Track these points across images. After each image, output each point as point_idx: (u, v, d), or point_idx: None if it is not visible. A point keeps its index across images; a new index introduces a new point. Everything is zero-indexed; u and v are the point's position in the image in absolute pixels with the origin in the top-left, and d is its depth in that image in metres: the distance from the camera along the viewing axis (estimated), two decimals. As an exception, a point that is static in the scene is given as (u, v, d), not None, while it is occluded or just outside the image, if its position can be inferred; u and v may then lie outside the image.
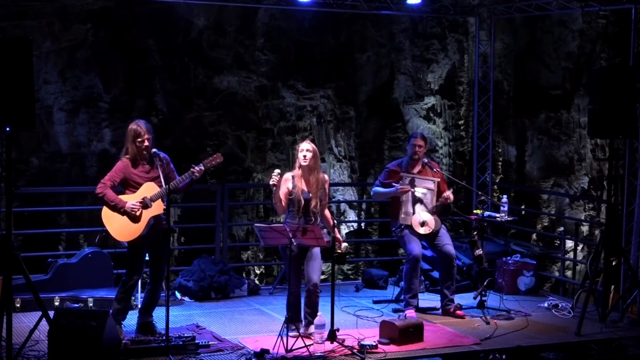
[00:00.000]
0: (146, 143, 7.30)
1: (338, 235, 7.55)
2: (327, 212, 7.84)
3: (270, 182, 7.39)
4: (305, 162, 7.54)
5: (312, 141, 7.97)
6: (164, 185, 7.26)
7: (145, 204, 7.30)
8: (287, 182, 7.58)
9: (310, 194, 7.53)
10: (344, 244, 7.49)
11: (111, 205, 7.27)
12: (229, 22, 11.40)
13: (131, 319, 7.66)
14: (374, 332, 7.60)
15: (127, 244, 7.40)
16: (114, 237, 7.38)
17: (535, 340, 7.79)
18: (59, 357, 6.44)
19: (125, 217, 7.27)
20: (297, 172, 7.62)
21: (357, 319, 8.21)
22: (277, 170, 7.47)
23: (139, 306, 7.67)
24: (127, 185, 7.37)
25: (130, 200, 7.30)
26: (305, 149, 7.57)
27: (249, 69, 11.55)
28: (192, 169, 7.28)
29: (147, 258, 7.64)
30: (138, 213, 7.27)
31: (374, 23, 12.07)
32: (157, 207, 7.36)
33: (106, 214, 7.32)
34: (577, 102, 13.18)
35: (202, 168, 7.34)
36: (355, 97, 12.20)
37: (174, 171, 7.50)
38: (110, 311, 7.02)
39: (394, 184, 8.41)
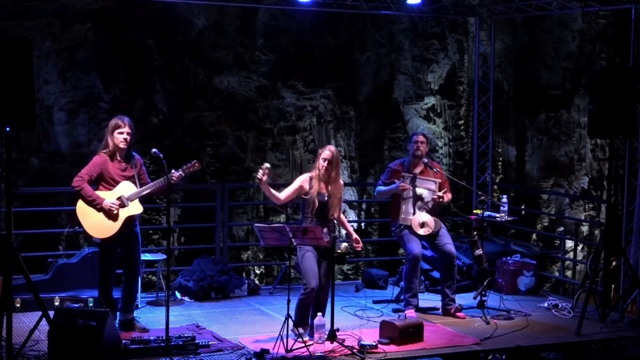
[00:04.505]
0: (125, 136, 7.31)
1: (355, 235, 7.62)
2: (342, 215, 7.81)
3: (257, 176, 7.18)
4: (324, 172, 7.43)
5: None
6: (139, 186, 7.33)
7: (122, 203, 7.32)
8: (304, 182, 7.53)
9: (327, 197, 7.49)
10: (344, 244, 7.47)
11: (88, 200, 7.26)
12: (229, 22, 11.40)
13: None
14: (374, 332, 7.61)
15: (100, 240, 7.42)
16: (88, 233, 7.38)
17: (535, 340, 7.79)
18: (59, 357, 6.45)
19: (101, 213, 7.28)
20: (315, 173, 7.52)
21: (358, 319, 8.20)
22: (267, 164, 7.28)
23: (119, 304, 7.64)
24: (102, 181, 7.36)
25: (107, 197, 7.30)
26: (327, 158, 7.43)
27: (249, 69, 11.54)
28: (171, 173, 7.26)
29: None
30: (116, 212, 7.29)
31: (374, 23, 12.07)
32: (134, 207, 7.39)
33: (81, 208, 7.30)
34: (577, 102, 13.19)
35: (181, 174, 7.37)
36: (355, 97, 12.19)
37: (146, 173, 7.56)
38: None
39: (395, 180, 8.42)
